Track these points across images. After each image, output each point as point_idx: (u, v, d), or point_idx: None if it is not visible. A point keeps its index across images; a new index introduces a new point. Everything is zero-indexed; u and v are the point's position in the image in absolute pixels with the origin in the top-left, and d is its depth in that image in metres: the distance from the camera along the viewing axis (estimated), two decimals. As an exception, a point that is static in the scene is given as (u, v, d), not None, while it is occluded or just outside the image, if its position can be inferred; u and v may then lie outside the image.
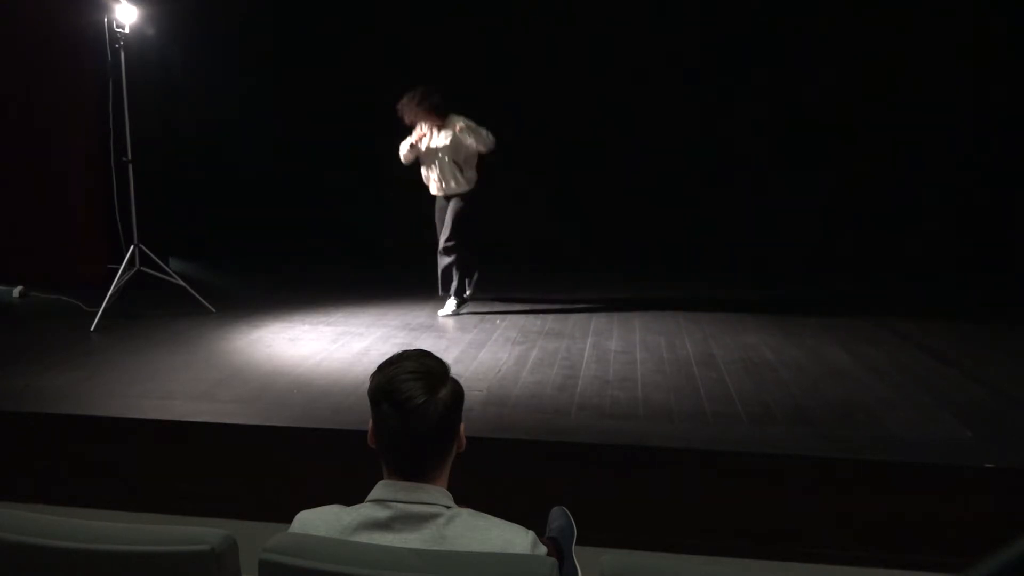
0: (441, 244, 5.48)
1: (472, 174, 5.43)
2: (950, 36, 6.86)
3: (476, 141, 5.26)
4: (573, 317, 5.63)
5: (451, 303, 5.60)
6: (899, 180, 7.16)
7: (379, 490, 1.56)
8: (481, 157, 5.41)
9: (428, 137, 5.29)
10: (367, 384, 1.63)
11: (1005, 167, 7.02)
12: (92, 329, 5.06)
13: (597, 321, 5.50)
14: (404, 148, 5.37)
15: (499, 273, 7.00)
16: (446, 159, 5.32)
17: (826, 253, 7.33)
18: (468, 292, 5.71)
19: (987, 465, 3.07)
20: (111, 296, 5.23)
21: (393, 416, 1.53)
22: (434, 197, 5.55)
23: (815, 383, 4.12)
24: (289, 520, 1.58)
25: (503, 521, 1.55)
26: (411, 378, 1.54)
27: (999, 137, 7.00)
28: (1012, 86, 6.88)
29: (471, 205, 5.45)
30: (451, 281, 5.58)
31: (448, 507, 1.53)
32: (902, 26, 6.89)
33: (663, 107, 7.24)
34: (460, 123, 5.26)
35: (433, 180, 5.44)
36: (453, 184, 5.39)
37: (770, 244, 7.32)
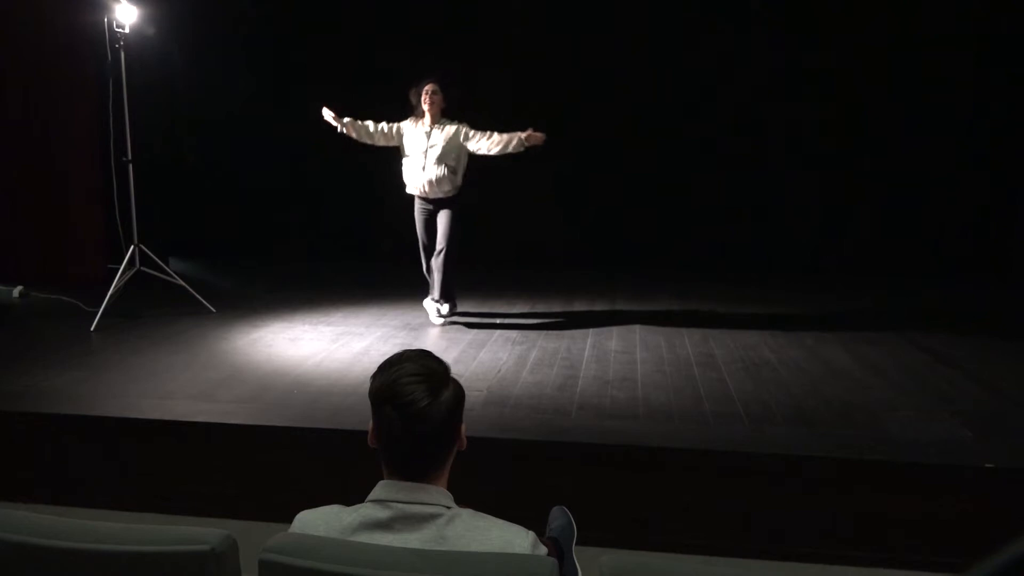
0: (438, 250, 5.22)
1: (460, 178, 5.15)
2: (952, 35, 6.86)
3: (486, 142, 5.04)
4: (573, 317, 5.63)
5: (445, 308, 5.35)
6: (899, 180, 7.16)
7: (379, 490, 1.56)
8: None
9: (420, 131, 5.06)
10: (367, 384, 1.63)
11: (1006, 167, 7.02)
12: (92, 329, 5.06)
13: (597, 321, 5.50)
14: (382, 128, 5.14)
15: (499, 273, 7.02)
16: (443, 162, 5.03)
17: (826, 253, 7.34)
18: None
19: (987, 465, 3.07)
20: (111, 296, 5.23)
21: (397, 418, 1.53)
22: (410, 197, 5.24)
23: (815, 383, 4.12)
24: (289, 520, 1.58)
25: (503, 521, 1.54)
26: (414, 380, 1.54)
27: (1000, 137, 7.00)
28: (1013, 85, 6.88)
29: (461, 209, 5.22)
30: (450, 287, 5.36)
31: (448, 507, 1.53)
32: (904, 25, 6.90)
33: (663, 107, 7.24)
34: (466, 126, 5.07)
35: (420, 181, 5.09)
36: (447, 187, 5.10)
37: (770, 244, 7.32)
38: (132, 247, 5.48)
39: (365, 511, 1.53)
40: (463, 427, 1.64)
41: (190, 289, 5.60)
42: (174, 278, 5.63)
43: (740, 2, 7.13)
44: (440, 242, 5.22)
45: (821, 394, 3.93)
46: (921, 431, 3.46)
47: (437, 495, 1.54)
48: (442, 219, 5.19)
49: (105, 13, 5.34)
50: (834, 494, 3.14)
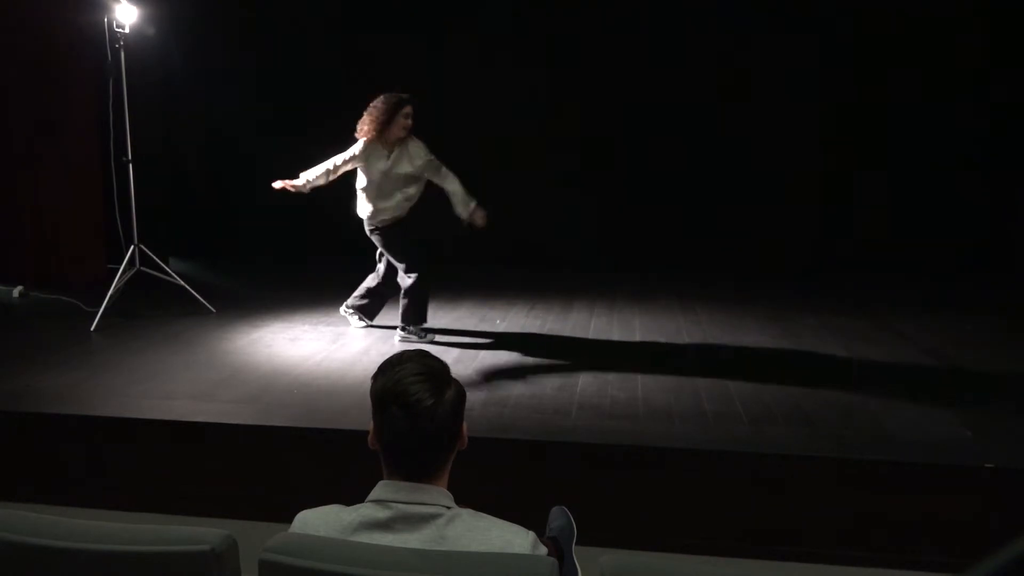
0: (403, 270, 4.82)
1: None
2: (951, 35, 6.86)
3: (440, 179, 4.67)
4: (573, 317, 5.62)
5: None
6: (899, 179, 7.16)
7: (379, 490, 1.56)
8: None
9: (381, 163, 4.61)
10: (367, 384, 1.63)
11: (1006, 166, 7.02)
12: (92, 329, 5.06)
13: (597, 321, 5.50)
14: (332, 167, 4.68)
15: (499, 273, 7.01)
16: (411, 189, 4.69)
17: (826, 253, 7.33)
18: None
19: (987, 465, 3.07)
20: (111, 296, 5.23)
21: (403, 419, 1.53)
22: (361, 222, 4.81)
23: (815, 383, 4.12)
24: (289, 520, 1.58)
25: (503, 521, 1.55)
26: (418, 380, 1.54)
27: (1000, 136, 7.00)
28: (1012, 84, 6.87)
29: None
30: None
31: (448, 507, 1.53)
32: (902, 24, 6.90)
33: (663, 106, 7.23)
34: (424, 153, 4.65)
35: (386, 208, 4.69)
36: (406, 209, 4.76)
37: (770, 244, 7.32)
38: (132, 247, 5.48)
39: (365, 511, 1.53)
40: (464, 426, 1.64)
41: (190, 289, 5.60)
42: (174, 278, 5.63)
43: (740, 2, 7.13)
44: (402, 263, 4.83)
45: (821, 394, 3.93)
46: (921, 431, 3.46)
47: (437, 495, 1.55)
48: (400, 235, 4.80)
49: (105, 13, 5.33)
50: (834, 494, 3.14)
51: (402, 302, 4.85)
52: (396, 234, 4.77)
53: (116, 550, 1.46)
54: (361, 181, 4.75)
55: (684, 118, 7.25)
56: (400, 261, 4.80)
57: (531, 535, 1.53)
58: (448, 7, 7.32)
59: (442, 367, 1.62)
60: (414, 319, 4.88)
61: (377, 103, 4.62)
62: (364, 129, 4.63)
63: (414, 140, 4.69)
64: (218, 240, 7.91)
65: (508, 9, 7.31)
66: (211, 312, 5.55)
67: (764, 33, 7.12)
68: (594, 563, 1.47)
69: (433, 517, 1.51)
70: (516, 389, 3.97)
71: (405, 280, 4.81)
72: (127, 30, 5.35)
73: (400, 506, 1.51)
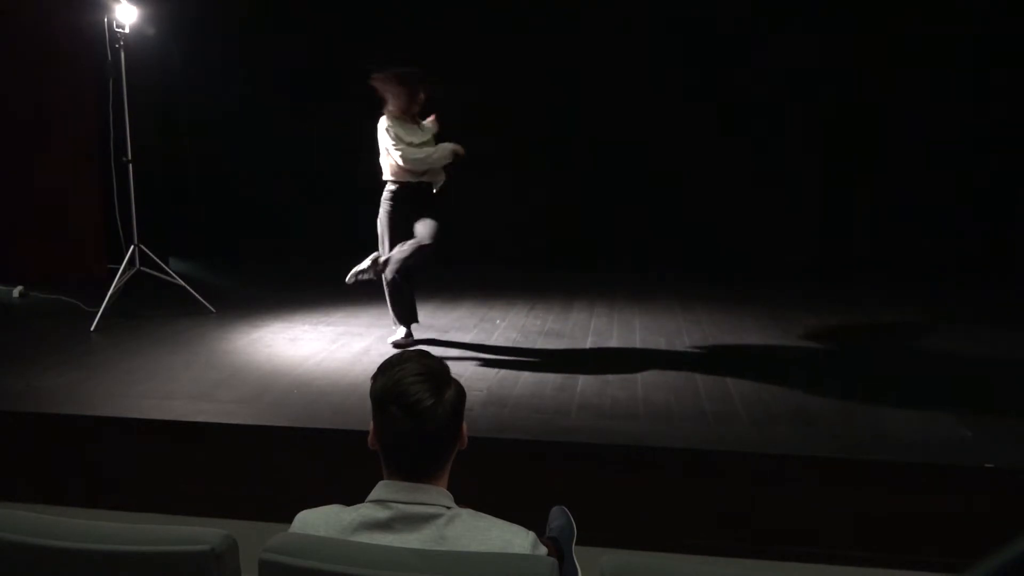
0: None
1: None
2: (951, 34, 6.86)
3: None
4: (573, 317, 5.62)
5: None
6: (899, 180, 7.15)
7: (379, 490, 1.56)
8: None
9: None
10: (367, 384, 1.63)
11: (1007, 167, 7.02)
12: (92, 329, 5.06)
13: (597, 321, 5.50)
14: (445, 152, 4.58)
15: (499, 273, 7.01)
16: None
17: (827, 253, 7.33)
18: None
19: (987, 465, 3.07)
20: (111, 296, 5.23)
21: (402, 419, 1.53)
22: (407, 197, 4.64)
23: (816, 383, 4.12)
24: (289, 520, 1.58)
25: (503, 521, 1.55)
26: (418, 380, 1.54)
27: (1001, 136, 6.99)
28: (1013, 83, 6.87)
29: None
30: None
31: (448, 507, 1.53)
32: (902, 24, 6.90)
33: (662, 106, 7.23)
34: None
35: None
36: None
37: (770, 243, 7.32)
38: (132, 247, 5.48)
39: (365, 511, 1.53)
40: (464, 426, 1.64)
41: (190, 289, 5.60)
42: (174, 278, 5.63)
43: (740, 5, 7.13)
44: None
45: (821, 394, 3.93)
46: (921, 431, 3.46)
47: (437, 495, 1.55)
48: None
49: (105, 13, 5.33)
50: (834, 494, 3.14)
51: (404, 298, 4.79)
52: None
53: (116, 550, 1.46)
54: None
55: (684, 118, 7.24)
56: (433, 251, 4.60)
57: (531, 535, 1.53)
58: (446, 7, 7.32)
59: (442, 367, 1.62)
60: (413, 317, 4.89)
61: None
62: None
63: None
64: (218, 240, 7.91)
65: (505, 9, 7.31)
66: (211, 312, 5.55)
67: (764, 32, 7.12)
68: (594, 563, 1.47)
69: (433, 517, 1.51)
70: (516, 389, 3.97)
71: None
72: (127, 30, 5.34)
73: (400, 506, 1.51)
